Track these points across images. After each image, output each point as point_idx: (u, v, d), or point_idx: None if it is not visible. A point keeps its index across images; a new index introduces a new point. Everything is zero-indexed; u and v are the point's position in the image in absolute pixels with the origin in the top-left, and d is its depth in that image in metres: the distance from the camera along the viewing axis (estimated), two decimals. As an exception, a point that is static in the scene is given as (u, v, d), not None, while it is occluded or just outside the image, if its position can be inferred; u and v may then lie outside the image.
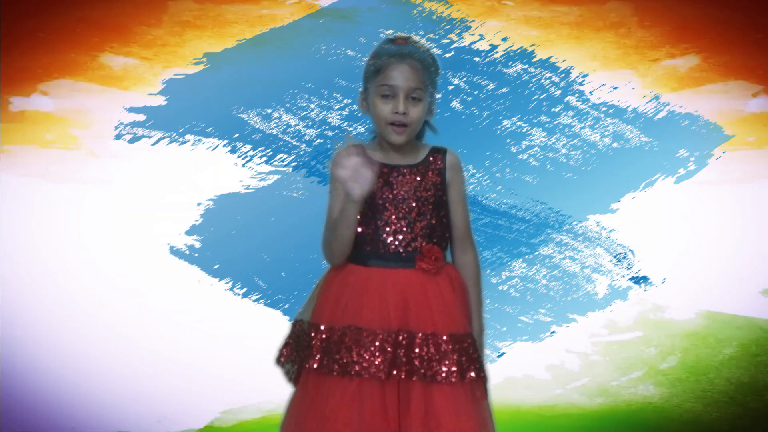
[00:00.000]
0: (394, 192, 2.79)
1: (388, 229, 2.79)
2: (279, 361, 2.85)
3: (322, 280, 2.87)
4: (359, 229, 2.80)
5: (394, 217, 2.79)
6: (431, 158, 2.84)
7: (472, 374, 2.73)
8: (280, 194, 4.91)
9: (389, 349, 2.71)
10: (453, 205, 2.85)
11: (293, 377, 2.83)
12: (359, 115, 4.95)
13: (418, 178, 2.81)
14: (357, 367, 2.70)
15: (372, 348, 2.70)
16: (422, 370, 2.70)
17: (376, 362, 2.70)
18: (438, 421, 2.70)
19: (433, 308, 2.76)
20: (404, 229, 2.79)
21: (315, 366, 2.73)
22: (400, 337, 2.72)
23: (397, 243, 2.79)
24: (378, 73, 2.78)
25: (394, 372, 2.70)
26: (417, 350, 2.71)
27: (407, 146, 2.84)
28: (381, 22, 5.03)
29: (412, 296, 2.76)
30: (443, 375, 2.71)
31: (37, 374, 4.60)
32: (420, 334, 2.73)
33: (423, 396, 2.71)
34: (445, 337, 2.73)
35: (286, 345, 2.84)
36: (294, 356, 2.81)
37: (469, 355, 2.74)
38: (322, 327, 2.76)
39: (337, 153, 2.73)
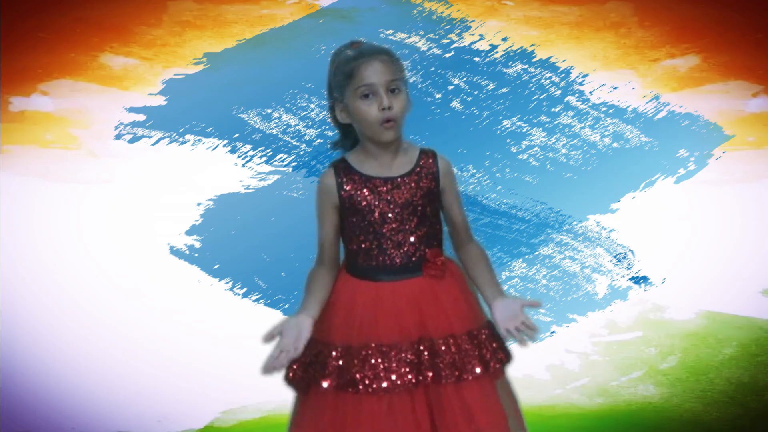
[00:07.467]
0: (392, 206, 2.77)
1: (390, 243, 2.77)
2: (287, 377, 2.83)
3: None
4: (362, 246, 2.78)
5: (395, 230, 2.77)
6: (422, 162, 2.81)
7: (497, 365, 2.78)
8: (280, 194, 4.91)
9: (414, 359, 2.71)
10: (451, 207, 2.84)
11: (304, 393, 2.82)
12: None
13: (413, 185, 2.78)
14: (385, 384, 2.69)
15: (397, 362, 2.71)
16: (447, 372, 2.71)
17: (404, 376, 2.70)
18: (471, 415, 2.72)
19: (448, 311, 2.77)
20: (407, 240, 2.78)
21: (333, 385, 2.72)
22: (422, 346, 2.73)
23: (402, 255, 2.78)
24: (351, 77, 2.76)
25: (421, 379, 2.71)
26: (441, 355, 2.72)
27: (399, 149, 2.81)
28: (381, 22, 5.02)
29: (426, 303, 2.76)
30: (469, 372, 2.72)
31: (37, 374, 4.60)
32: (440, 340, 2.74)
33: (456, 396, 2.72)
34: (464, 336, 2.75)
35: (294, 361, 2.80)
36: (302, 373, 2.80)
37: (489, 346, 2.77)
38: (338, 346, 2.75)
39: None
